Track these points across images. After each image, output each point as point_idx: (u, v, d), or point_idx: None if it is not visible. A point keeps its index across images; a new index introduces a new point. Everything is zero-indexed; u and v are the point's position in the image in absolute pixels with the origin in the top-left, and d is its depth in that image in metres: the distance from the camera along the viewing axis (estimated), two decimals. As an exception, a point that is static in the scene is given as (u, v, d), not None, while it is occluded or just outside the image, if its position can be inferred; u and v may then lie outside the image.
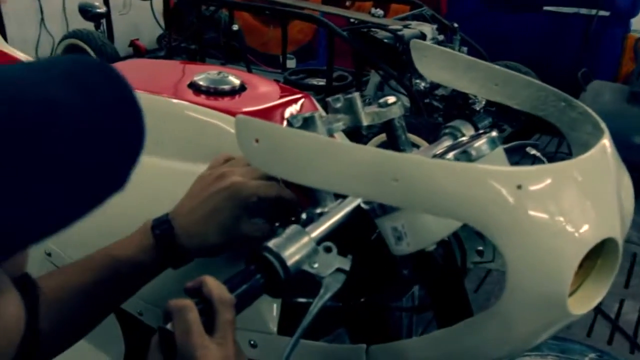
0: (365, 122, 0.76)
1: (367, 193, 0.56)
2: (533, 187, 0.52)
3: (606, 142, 0.60)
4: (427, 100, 2.86)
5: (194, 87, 0.92)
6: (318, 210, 0.67)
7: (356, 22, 2.92)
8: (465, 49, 3.01)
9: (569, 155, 0.63)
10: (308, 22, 3.33)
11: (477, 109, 2.76)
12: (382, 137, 2.38)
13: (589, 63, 3.52)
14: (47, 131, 0.33)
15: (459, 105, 2.85)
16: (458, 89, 0.85)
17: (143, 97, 0.90)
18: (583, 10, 3.69)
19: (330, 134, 0.72)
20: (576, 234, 0.52)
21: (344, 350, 0.70)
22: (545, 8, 3.82)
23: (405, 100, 2.76)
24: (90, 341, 0.88)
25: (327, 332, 0.84)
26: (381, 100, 0.79)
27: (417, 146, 2.16)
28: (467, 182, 0.51)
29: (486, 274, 2.41)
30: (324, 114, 0.80)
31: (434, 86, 2.86)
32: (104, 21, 4.32)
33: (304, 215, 0.67)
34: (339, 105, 0.74)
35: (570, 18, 3.75)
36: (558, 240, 0.52)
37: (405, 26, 2.83)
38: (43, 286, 0.71)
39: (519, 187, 0.51)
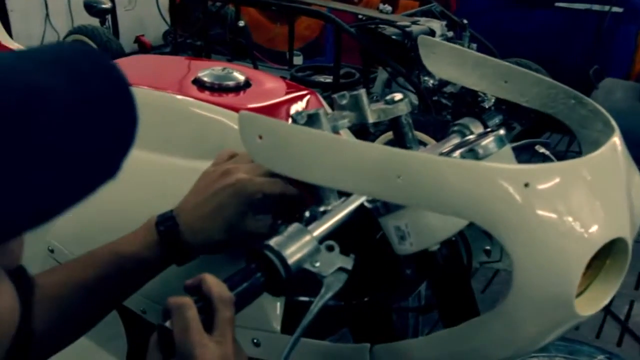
0: (371, 119, 0.75)
1: (371, 190, 0.55)
2: (541, 186, 0.51)
3: (616, 140, 0.59)
4: (435, 98, 2.85)
5: (198, 83, 0.92)
6: (321, 209, 0.66)
7: (364, 18, 2.91)
8: (474, 45, 2.99)
9: (579, 154, 0.62)
10: (315, 18, 3.32)
11: (486, 106, 2.73)
12: (390, 135, 2.37)
13: (601, 60, 3.49)
14: (36, 118, 0.33)
15: (468, 103, 2.83)
16: (466, 85, 0.84)
17: (147, 94, 0.91)
18: (596, 7, 3.65)
19: (336, 131, 0.71)
20: (584, 234, 0.51)
21: (348, 350, 0.69)
22: (557, 4, 3.79)
23: (414, 98, 2.75)
24: (93, 339, 0.88)
25: (332, 332, 0.83)
26: (388, 97, 0.78)
27: (425, 144, 2.15)
28: (473, 180, 0.50)
29: (494, 274, 2.40)
30: (329, 110, 0.79)
31: (443, 83, 2.85)
32: (109, 17, 4.33)
33: (307, 214, 0.66)
34: (344, 102, 0.73)
35: (583, 14, 3.71)
36: (566, 240, 0.51)
37: (414, 22, 2.81)
38: (45, 282, 0.71)
39: (527, 185, 0.50)
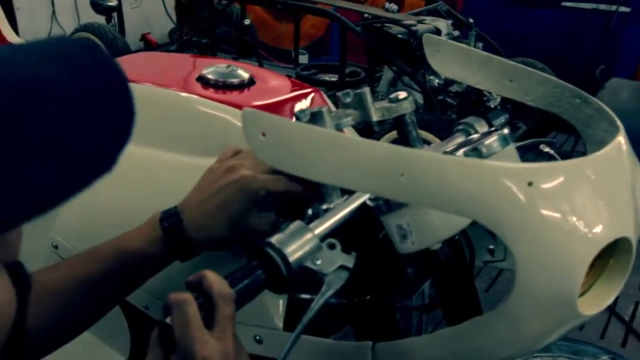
0: (375, 118, 0.75)
1: (374, 188, 0.55)
2: (544, 184, 0.50)
3: (621, 139, 0.58)
4: (440, 97, 2.84)
5: (203, 81, 0.92)
6: (324, 206, 0.66)
7: (370, 17, 2.91)
8: (480, 44, 2.98)
9: (585, 154, 0.62)
10: (321, 16, 3.32)
11: (492, 106, 2.73)
12: (395, 134, 2.36)
13: (608, 60, 3.47)
14: (34, 110, 0.33)
15: (473, 102, 2.82)
16: (472, 84, 0.83)
17: (152, 91, 0.92)
18: (603, 6, 3.64)
19: (339, 129, 0.71)
20: (588, 233, 0.51)
21: (350, 348, 0.69)
22: (564, 3, 3.77)
23: (419, 97, 2.74)
24: (97, 334, 0.88)
25: (335, 330, 0.83)
26: (392, 96, 0.78)
27: (429, 143, 2.14)
28: (477, 178, 0.50)
29: (498, 274, 2.39)
30: (333, 109, 0.79)
31: (448, 83, 2.84)
32: (115, 15, 4.34)
33: (309, 211, 0.66)
34: (348, 100, 0.73)
35: (590, 14, 3.69)
36: (569, 239, 0.50)
37: (420, 21, 2.81)
38: (49, 277, 0.71)
39: (530, 184, 0.50)
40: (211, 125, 0.86)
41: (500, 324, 0.55)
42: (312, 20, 4.50)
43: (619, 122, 0.63)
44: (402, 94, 0.78)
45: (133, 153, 0.86)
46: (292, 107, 0.91)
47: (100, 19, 4.18)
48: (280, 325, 0.74)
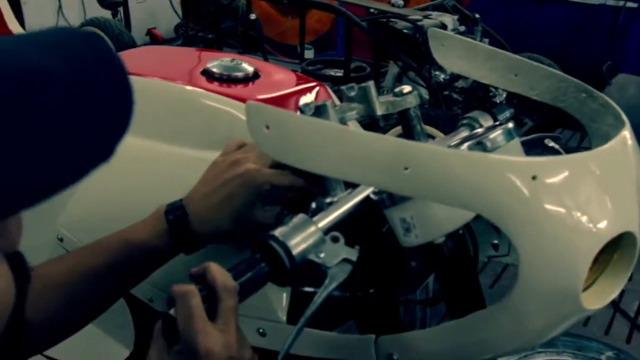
0: (379, 112, 0.74)
1: (377, 182, 0.55)
2: (548, 178, 0.50)
3: (626, 134, 0.58)
4: (446, 93, 2.83)
5: (207, 74, 0.92)
6: (327, 200, 0.66)
7: (375, 12, 2.89)
8: (487, 40, 2.97)
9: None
10: (326, 11, 3.31)
11: (498, 101, 2.72)
12: (400, 129, 2.36)
13: (615, 56, 3.44)
14: (33, 100, 0.33)
15: (479, 98, 2.81)
16: (477, 79, 0.83)
17: (156, 84, 0.92)
18: (610, 2, 3.61)
19: (343, 122, 0.71)
20: (592, 227, 0.51)
21: (353, 340, 0.69)
22: (571, -1, 3.75)
23: (424, 92, 2.74)
24: (101, 327, 0.89)
25: (338, 324, 0.83)
26: (396, 90, 0.78)
27: (434, 138, 2.14)
28: (480, 172, 0.50)
29: (503, 269, 2.39)
30: (338, 103, 0.79)
31: (454, 78, 2.83)
32: (121, 9, 4.35)
33: (313, 205, 0.66)
34: (353, 94, 0.73)
35: (597, 9, 3.67)
36: (573, 233, 0.50)
37: (426, 16, 2.80)
38: (54, 270, 0.71)
39: (534, 177, 0.50)
40: (216, 118, 0.86)
41: (503, 318, 0.55)
42: (317, 15, 4.49)
43: (624, 117, 0.62)
44: (407, 88, 0.77)
45: (138, 146, 0.88)
46: (297, 101, 0.91)
47: (107, 14, 4.19)
48: (284, 318, 0.74)
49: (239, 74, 0.92)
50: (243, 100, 0.84)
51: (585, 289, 0.53)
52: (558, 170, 0.51)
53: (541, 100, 0.76)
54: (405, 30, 2.72)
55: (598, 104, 0.69)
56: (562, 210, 0.50)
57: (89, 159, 0.36)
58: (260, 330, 0.75)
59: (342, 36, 3.65)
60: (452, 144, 0.74)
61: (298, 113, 0.68)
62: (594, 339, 1.20)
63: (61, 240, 0.92)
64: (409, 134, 0.80)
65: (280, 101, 0.88)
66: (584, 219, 0.51)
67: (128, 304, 0.88)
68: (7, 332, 0.41)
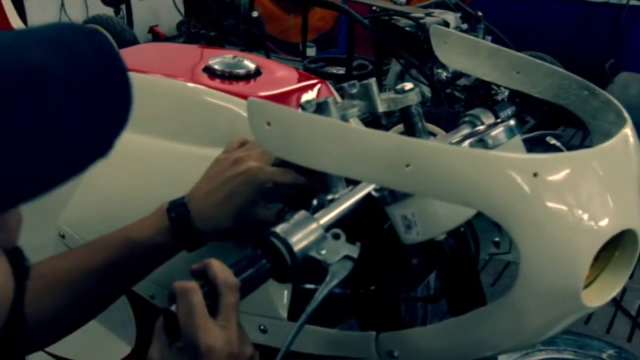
0: (380, 109, 0.74)
1: (379, 178, 0.55)
2: (550, 176, 0.50)
3: (628, 131, 0.58)
4: (448, 91, 2.83)
5: (209, 71, 0.92)
6: (329, 197, 0.66)
7: (378, 9, 2.89)
8: (489, 38, 2.96)
9: (593, 148, 0.61)
10: (329, 9, 3.30)
11: (500, 99, 2.71)
12: (402, 127, 2.35)
13: (618, 54, 3.44)
14: (31, 95, 0.33)
15: (481, 96, 2.80)
16: (478, 76, 0.83)
17: (158, 81, 0.92)
18: (613, 0, 3.60)
19: (345, 119, 0.71)
20: (593, 225, 0.51)
21: (354, 337, 0.69)
22: (574, -4, 3.74)
23: (427, 90, 2.73)
24: (103, 323, 0.89)
25: (339, 322, 0.83)
26: (398, 87, 0.78)
27: (436, 135, 2.14)
28: (482, 169, 0.50)
29: (504, 268, 2.39)
30: (340, 100, 0.79)
31: (456, 76, 2.82)
32: (123, 7, 4.35)
33: (314, 202, 0.66)
34: (354, 91, 0.73)
35: (600, 7, 3.66)
36: (574, 231, 0.50)
37: (428, 14, 2.79)
38: (57, 266, 0.72)
39: (535, 175, 0.50)
40: (217, 115, 0.86)
41: (503, 316, 0.55)
42: (320, 12, 4.48)
43: (626, 114, 0.62)
44: (408, 85, 0.77)
45: (139, 143, 0.88)
46: (299, 98, 0.91)
47: (109, 11, 4.19)
48: (285, 315, 0.74)
49: (241, 71, 0.92)
50: (245, 97, 0.84)
51: (586, 286, 0.53)
52: (559, 168, 0.51)
53: (543, 97, 0.76)
54: (407, 28, 2.71)
55: (600, 101, 0.69)
56: (563, 207, 0.50)
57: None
58: (262, 327, 0.75)
59: (344, 34, 3.65)
60: (454, 141, 0.74)
61: (299, 110, 0.68)
62: (595, 337, 1.20)
63: (63, 237, 0.92)
64: (410, 131, 0.80)
65: (281, 98, 0.89)
66: (585, 216, 0.50)
67: (129, 300, 0.88)
68: (6, 328, 0.41)
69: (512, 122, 0.65)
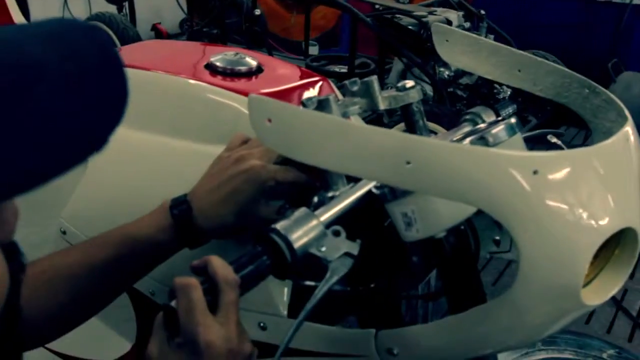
0: (382, 106, 0.74)
1: (379, 176, 0.55)
2: (550, 173, 0.50)
3: (629, 129, 0.58)
4: (450, 89, 2.83)
5: (211, 68, 0.92)
6: (329, 194, 0.66)
7: (381, 8, 2.89)
8: (492, 36, 2.96)
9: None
10: (331, 7, 3.31)
11: (502, 98, 2.71)
12: (404, 126, 2.35)
13: (621, 54, 3.43)
14: (28, 90, 0.34)
15: (483, 95, 2.80)
16: (480, 74, 0.83)
17: (160, 78, 0.92)
18: (616, -1, 3.60)
19: (346, 117, 0.71)
20: (593, 223, 0.50)
21: (353, 335, 0.70)
22: (577, -4, 3.73)
23: (429, 89, 2.73)
24: (103, 320, 0.89)
25: (339, 319, 0.83)
26: (399, 85, 0.78)
27: (437, 134, 2.13)
28: (482, 166, 0.50)
29: (505, 267, 2.39)
30: (341, 97, 0.79)
31: (458, 75, 2.82)
32: (126, 4, 4.35)
33: (315, 199, 0.66)
34: (355, 88, 0.73)
35: (603, 7, 3.65)
36: (573, 229, 0.50)
37: (431, 13, 2.79)
38: (60, 262, 0.72)
39: (535, 172, 0.49)
40: (219, 112, 0.86)
41: (503, 313, 0.55)
42: (322, 11, 4.48)
43: (627, 112, 0.62)
44: (410, 83, 0.77)
45: (141, 139, 0.88)
46: (300, 95, 0.91)
47: (112, 9, 4.19)
48: (285, 312, 0.75)
49: (243, 68, 0.92)
50: (246, 94, 0.84)
51: (585, 284, 0.53)
52: (559, 165, 0.51)
53: (544, 96, 0.76)
54: (410, 27, 2.71)
55: (601, 99, 0.69)
56: (563, 205, 0.50)
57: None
58: (262, 324, 0.75)
59: (346, 32, 3.65)
60: (455, 139, 0.74)
61: (300, 107, 0.68)
62: (596, 337, 1.19)
63: (64, 233, 0.92)
64: (411, 129, 0.80)
65: (283, 95, 0.89)
66: (585, 214, 0.50)
67: (130, 297, 0.88)
68: (2, 321, 0.42)
69: (512, 120, 0.65)
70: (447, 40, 0.84)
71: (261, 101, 0.56)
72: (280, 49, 3.99)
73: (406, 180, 0.52)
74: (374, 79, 0.74)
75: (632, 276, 0.58)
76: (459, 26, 2.80)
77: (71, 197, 0.92)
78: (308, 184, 0.70)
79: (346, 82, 0.73)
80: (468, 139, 0.64)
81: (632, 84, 3.15)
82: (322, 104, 0.67)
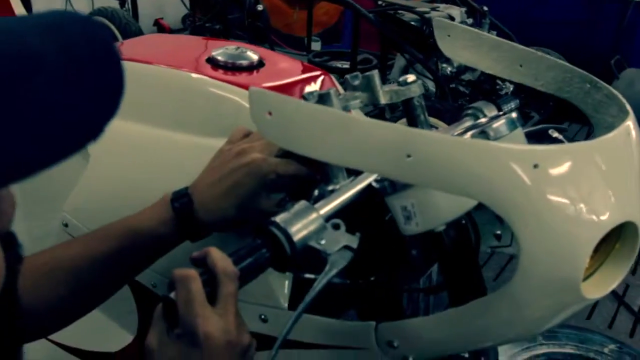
0: (383, 101, 0.74)
1: (379, 169, 0.55)
2: (550, 167, 0.50)
3: (630, 123, 0.57)
4: (453, 85, 2.82)
5: (212, 62, 0.92)
6: (330, 187, 0.66)
7: (383, 3, 2.88)
8: (494, 33, 2.95)
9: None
10: (334, 3, 3.29)
11: (504, 94, 2.71)
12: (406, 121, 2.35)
13: (624, 50, 3.42)
14: (26, 80, 0.34)
15: (485, 91, 2.80)
16: (482, 69, 0.83)
17: (161, 71, 0.92)
18: (619, -5, 3.59)
19: (347, 111, 0.71)
20: (593, 216, 0.50)
21: (353, 327, 0.70)
22: (580, -8, 3.72)
23: (431, 85, 2.73)
24: (105, 312, 0.90)
25: (339, 313, 0.84)
26: (400, 79, 0.78)
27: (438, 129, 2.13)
28: (482, 159, 0.50)
29: (506, 262, 2.39)
30: (342, 92, 0.79)
31: (461, 71, 2.82)
32: (129, 0, 4.35)
33: (315, 192, 0.66)
34: (356, 82, 0.73)
35: (606, 3, 3.64)
36: (574, 222, 0.50)
37: (433, 9, 2.79)
38: (62, 254, 0.72)
39: (536, 166, 0.49)
40: (220, 106, 0.86)
41: (503, 306, 0.55)
42: (325, 7, 4.47)
43: (628, 107, 0.62)
44: (411, 77, 0.77)
45: (143, 133, 0.88)
46: (301, 89, 0.91)
47: (114, 4, 4.19)
48: (286, 305, 0.75)
49: (244, 62, 0.92)
50: (248, 88, 0.84)
51: (585, 278, 0.53)
52: (560, 159, 0.51)
53: (546, 90, 0.76)
54: (412, 23, 2.71)
55: (602, 94, 0.69)
56: (563, 198, 0.50)
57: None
58: (262, 317, 0.75)
59: (349, 28, 3.64)
60: (456, 133, 0.74)
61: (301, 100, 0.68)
62: (597, 332, 1.20)
63: (66, 225, 0.92)
64: (412, 123, 0.80)
65: (284, 89, 0.89)
66: (585, 208, 0.50)
67: (132, 289, 0.88)
68: (0, 311, 0.42)
69: (514, 114, 0.65)
70: (448, 35, 0.84)
71: (261, 94, 0.56)
72: (283, 44, 3.99)
73: (406, 174, 0.52)
74: (375, 73, 0.73)
75: (633, 272, 0.59)
76: (462, 22, 2.80)
77: (73, 190, 0.92)
78: (309, 177, 0.70)
79: (347, 76, 0.73)
80: (469, 133, 0.65)
81: (635, 81, 3.14)
82: (323, 98, 0.67)
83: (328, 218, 0.60)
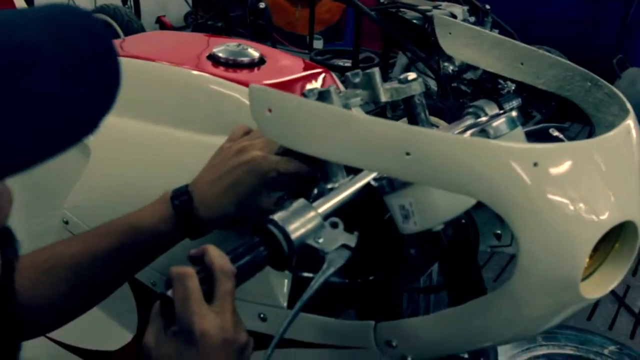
0: (383, 98, 0.74)
1: (379, 166, 0.55)
2: (550, 165, 0.50)
3: (630, 122, 0.57)
4: (454, 84, 2.82)
5: (213, 59, 0.92)
6: (329, 186, 0.66)
7: (385, 2, 2.88)
8: (496, 31, 2.95)
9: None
10: (336, 1, 3.29)
11: (506, 93, 2.70)
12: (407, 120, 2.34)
13: (626, 49, 3.41)
14: (24, 72, 0.34)
15: (487, 90, 2.80)
16: (483, 67, 0.82)
17: (162, 68, 0.92)
18: (621, -6, 3.58)
19: (347, 108, 0.71)
20: (592, 215, 0.50)
21: (352, 326, 0.70)
22: (583, -9, 3.71)
23: (433, 84, 2.72)
24: (104, 310, 0.90)
25: (338, 313, 0.83)
26: (401, 77, 0.78)
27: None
28: (481, 158, 0.50)
29: (507, 263, 2.38)
30: (343, 89, 0.78)
31: (462, 70, 2.82)
32: (131, -4, 4.35)
33: (315, 190, 0.66)
34: (357, 80, 0.73)
35: (608, 2, 3.63)
36: (573, 222, 0.50)
37: (435, 7, 2.78)
38: (63, 251, 0.72)
39: (535, 164, 0.49)
40: (221, 103, 0.86)
41: (502, 306, 0.55)
42: (327, 5, 4.47)
43: (629, 106, 0.61)
44: (412, 75, 0.77)
45: (143, 130, 0.88)
46: (302, 87, 0.90)
47: (117, 1, 4.19)
48: (285, 303, 0.75)
49: (245, 59, 0.92)
50: (248, 85, 0.84)
51: (585, 278, 0.53)
52: (560, 158, 0.51)
53: (547, 89, 0.76)
54: (414, 21, 2.70)
55: (603, 93, 0.69)
56: (562, 197, 0.50)
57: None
58: (261, 315, 0.75)
59: (351, 27, 3.64)
60: (456, 131, 0.74)
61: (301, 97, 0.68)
62: (597, 334, 1.19)
63: (66, 223, 0.92)
64: (413, 121, 0.80)
65: (285, 86, 0.88)
66: (585, 207, 0.50)
67: (132, 287, 0.88)
68: None
69: (514, 113, 0.65)
70: (450, 33, 0.84)
71: (262, 91, 0.56)
72: (285, 42, 3.98)
73: (406, 172, 0.52)
74: (376, 70, 0.73)
75: (634, 273, 0.58)
76: (464, 20, 2.80)
77: (74, 187, 0.92)
78: (309, 175, 0.70)
79: (348, 73, 0.73)
80: (469, 132, 0.64)
81: (637, 80, 3.13)
82: (323, 95, 0.67)
83: (326, 216, 0.60)
